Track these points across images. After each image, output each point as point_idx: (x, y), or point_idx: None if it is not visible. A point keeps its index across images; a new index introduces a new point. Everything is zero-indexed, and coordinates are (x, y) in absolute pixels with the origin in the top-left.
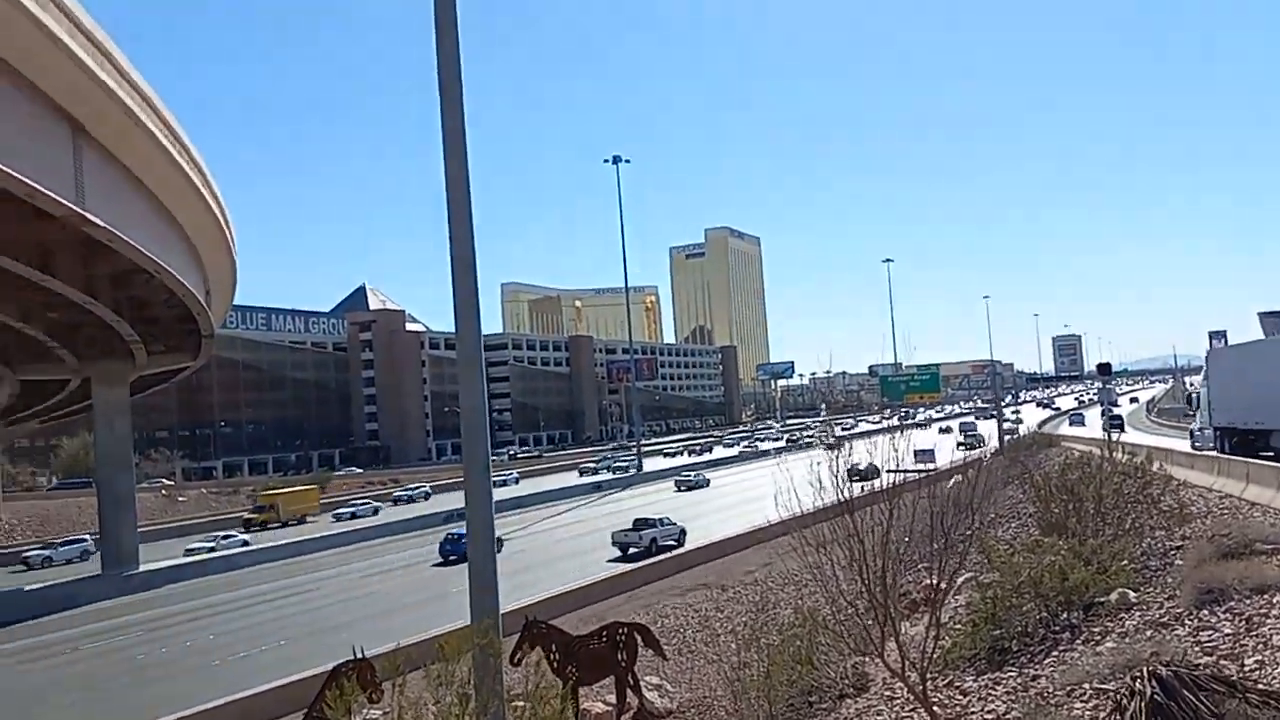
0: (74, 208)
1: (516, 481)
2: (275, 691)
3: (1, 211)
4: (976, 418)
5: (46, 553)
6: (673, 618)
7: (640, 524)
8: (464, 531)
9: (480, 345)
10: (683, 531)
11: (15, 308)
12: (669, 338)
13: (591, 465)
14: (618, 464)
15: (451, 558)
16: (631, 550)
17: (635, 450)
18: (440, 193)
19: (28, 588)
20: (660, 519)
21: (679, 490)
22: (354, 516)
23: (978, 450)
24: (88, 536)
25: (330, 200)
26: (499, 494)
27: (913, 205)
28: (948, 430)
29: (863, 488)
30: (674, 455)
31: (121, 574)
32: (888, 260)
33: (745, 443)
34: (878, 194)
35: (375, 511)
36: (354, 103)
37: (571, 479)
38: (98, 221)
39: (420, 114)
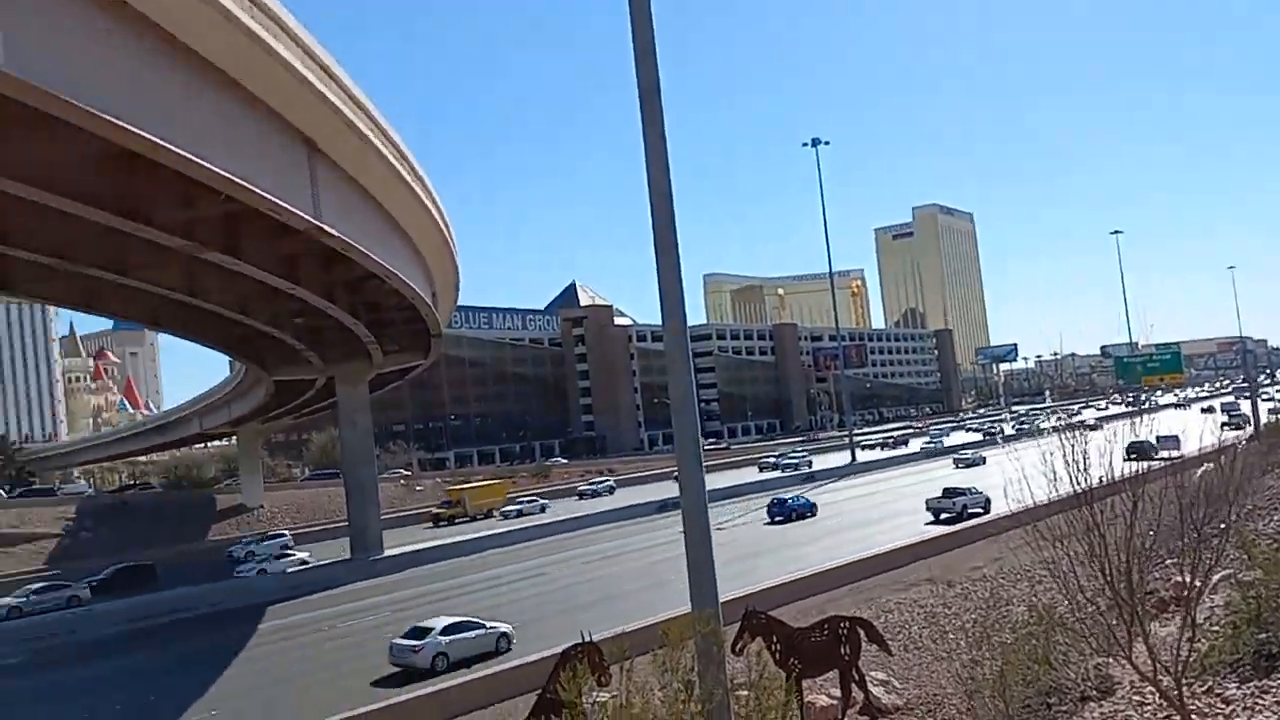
0: (312, 221)
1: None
2: (511, 671)
3: (251, 228)
4: (1238, 396)
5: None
6: (896, 613)
7: (950, 492)
8: (784, 497)
9: (686, 336)
10: (988, 500)
11: (268, 316)
12: (877, 323)
13: (772, 460)
14: (786, 460)
15: (778, 519)
16: (943, 515)
17: (848, 439)
18: (643, 188)
19: (288, 570)
20: (969, 488)
21: (957, 467)
22: (519, 514)
23: (1243, 431)
24: (285, 533)
25: (540, 201)
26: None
27: (1141, 170)
28: (1209, 410)
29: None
30: (874, 448)
31: (368, 558)
32: (1116, 232)
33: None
34: (1100, 160)
35: (542, 509)
36: (557, 105)
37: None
38: (333, 232)
39: (621, 111)
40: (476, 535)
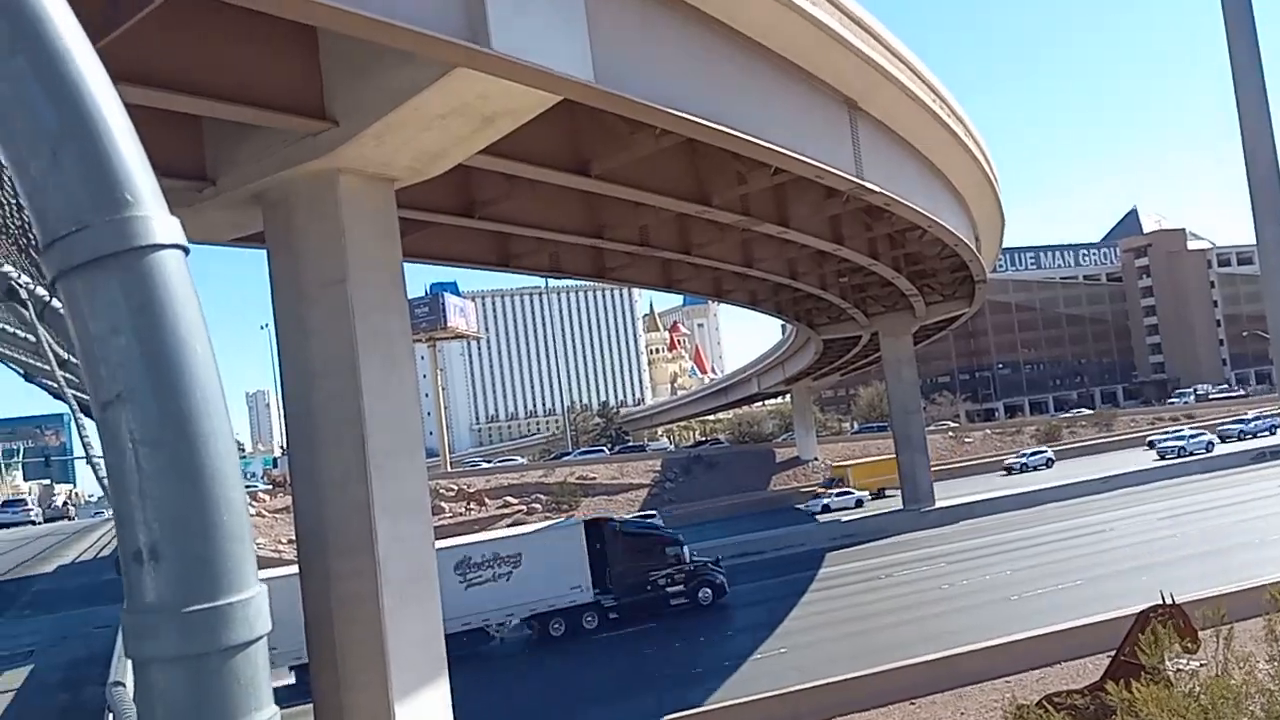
0: (855, 180)
1: (1049, 465)
2: (1082, 630)
3: (798, 196)
4: None
5: None
6: None
7: None
8: None
9: None
10: None
11: (814, 277)
12: None
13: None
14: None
15: None
16: None
17: None
18: (1220, 76)
19: (844, 518)
20: None
21: None
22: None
23: None
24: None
25: (1088, 123)
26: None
27: None
28: None
29: None
30: None
31: (919, 509)
32: None
33: None
34: None
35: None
36: (1116, 19)
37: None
38: (876, 189)
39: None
40: (1035, 488)
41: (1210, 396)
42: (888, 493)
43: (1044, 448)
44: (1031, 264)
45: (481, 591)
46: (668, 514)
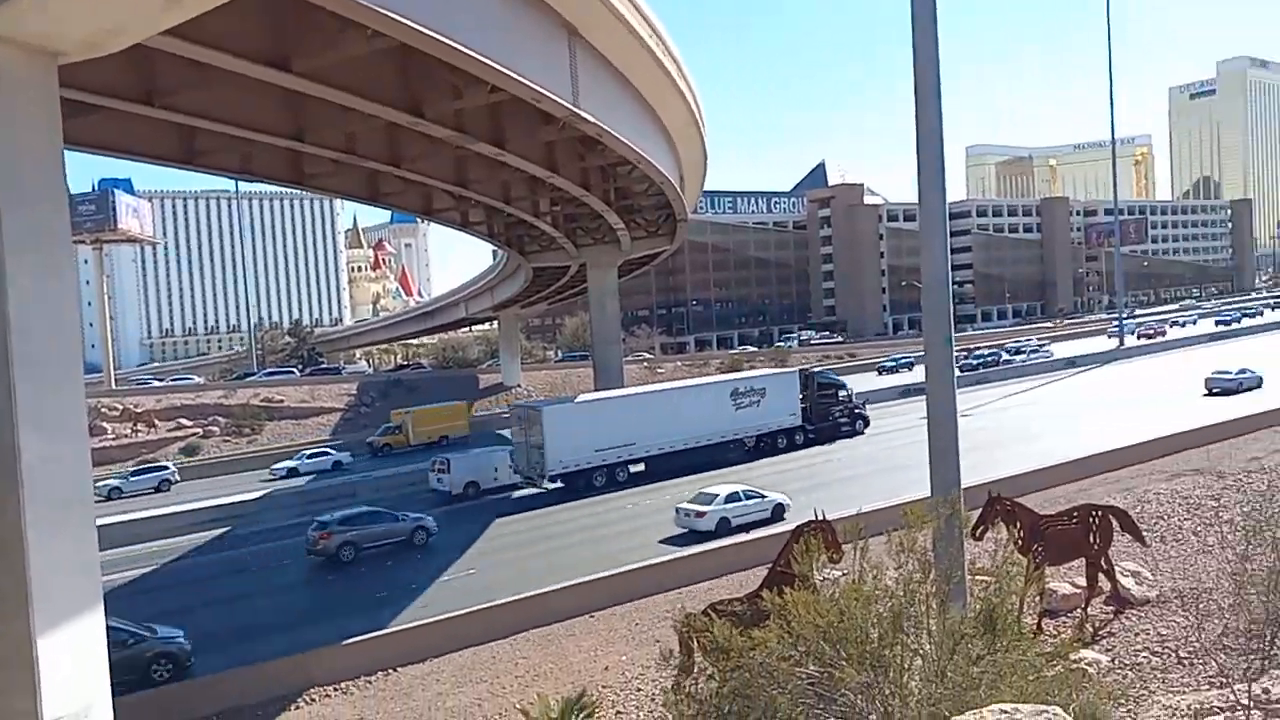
0: (571, 107)
1: None
2: (745, 545)
3: (514, 118)
4: None
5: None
6: (1155, 504)
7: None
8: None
9: (944, 213)
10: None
11: (527, 204)
12: (1163, 195)
13: (891, 363)
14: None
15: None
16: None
17: (1118, 323)
18: (906, 55)
19: None
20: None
21: None
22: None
23: None
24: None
25: (791, 79)
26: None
27: None
28: None
29: None
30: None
31: None
32: None
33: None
34: None
35: None
36: None
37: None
38: (591, 119)
39: None
40: None
41: (813, 342)
42: (447, 440)
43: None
44: (729, 208)
45: (743, 413)
46: (362, 439)
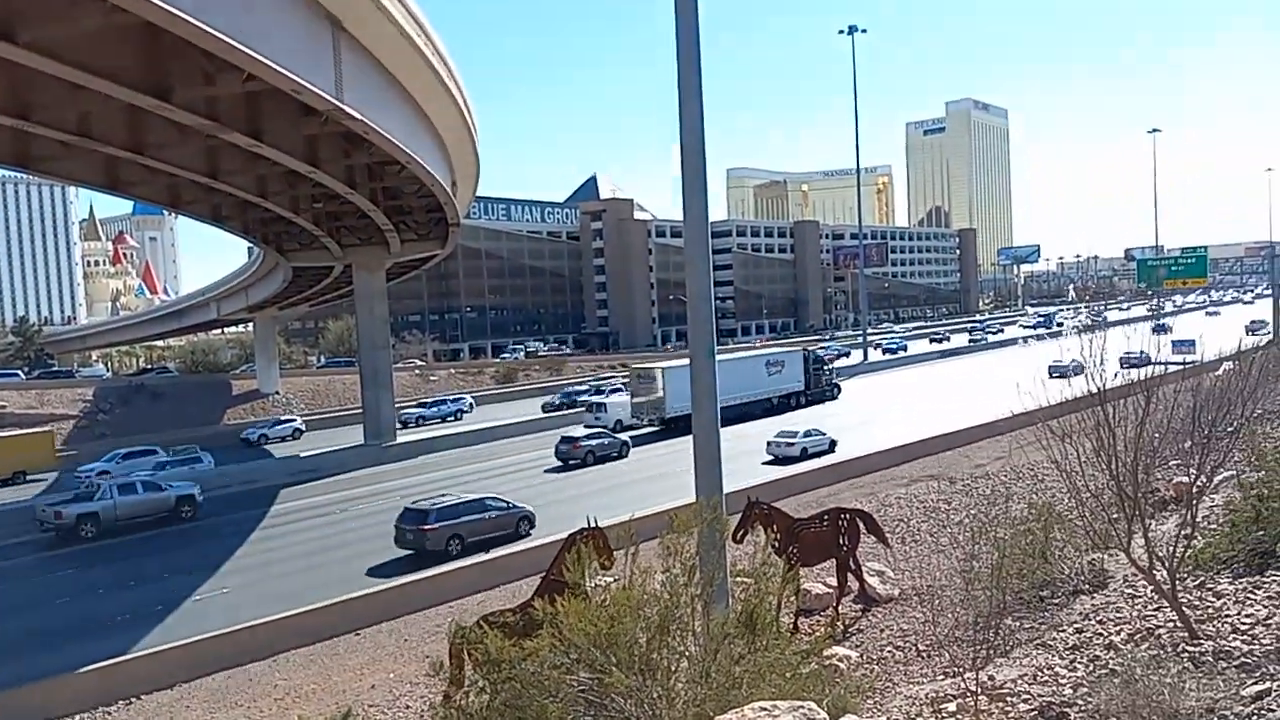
0: (335, 102)
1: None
2: (518, 555)
3: (273, 108)
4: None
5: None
6: (896, 507)
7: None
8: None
9: (707, 232)
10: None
11: (287, 199)
12: (901, 221)
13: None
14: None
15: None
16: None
17: (861, 339)
18: (673, 82)
19: (303, 454)
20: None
21: None
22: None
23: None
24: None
25: (567, 93)
26: None
27: (1179, 70)
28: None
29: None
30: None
31: (381, 445)
32: (1154, 131)
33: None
34: (1140, 57)
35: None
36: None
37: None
38: (356, 115)
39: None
40: (497, 423)
41: (540, 354)
42: (29, 476)
43: (462, 395)
44: (503, 215)
45: (772, 378)
46: (100, 450)
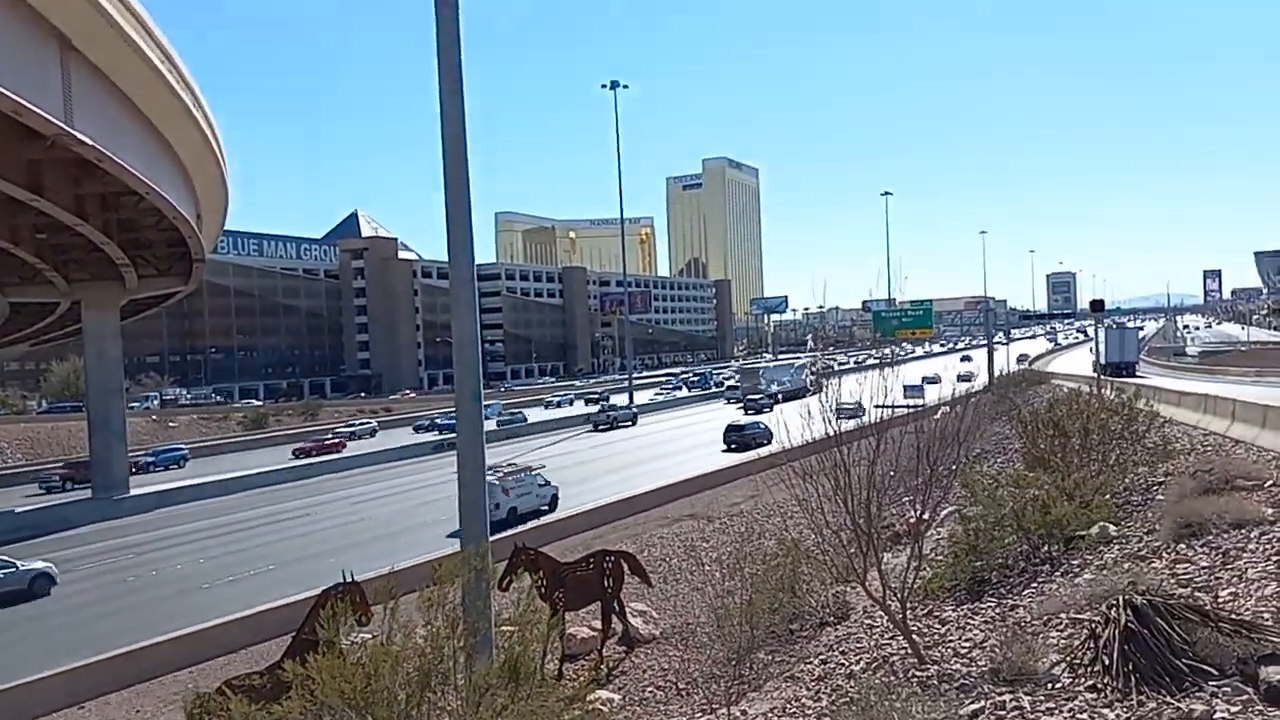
0: (63, 126)
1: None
2: (269, 613)
3: None
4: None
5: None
6: (659, 547)
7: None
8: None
9: (473, 274)
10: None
11: (4, 228)
12: (664, 270)
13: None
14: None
15: None
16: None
17: (627, 384)
18: (436, 119)
19: (18, 509)
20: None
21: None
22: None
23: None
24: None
25: (325, 127)
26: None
27: (913, 138)
28: (968, 359)
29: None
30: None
31: (112, 497)
32: (886, 194)
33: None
34: (878, 127)
35: None
36: (348, 27)
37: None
38: (87, 141)
39: (417, 37)
40: (241, 473)
41: (401, 396)
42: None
43: (368, 419)
44: (255, 250)
45: (789, 379)
46: None
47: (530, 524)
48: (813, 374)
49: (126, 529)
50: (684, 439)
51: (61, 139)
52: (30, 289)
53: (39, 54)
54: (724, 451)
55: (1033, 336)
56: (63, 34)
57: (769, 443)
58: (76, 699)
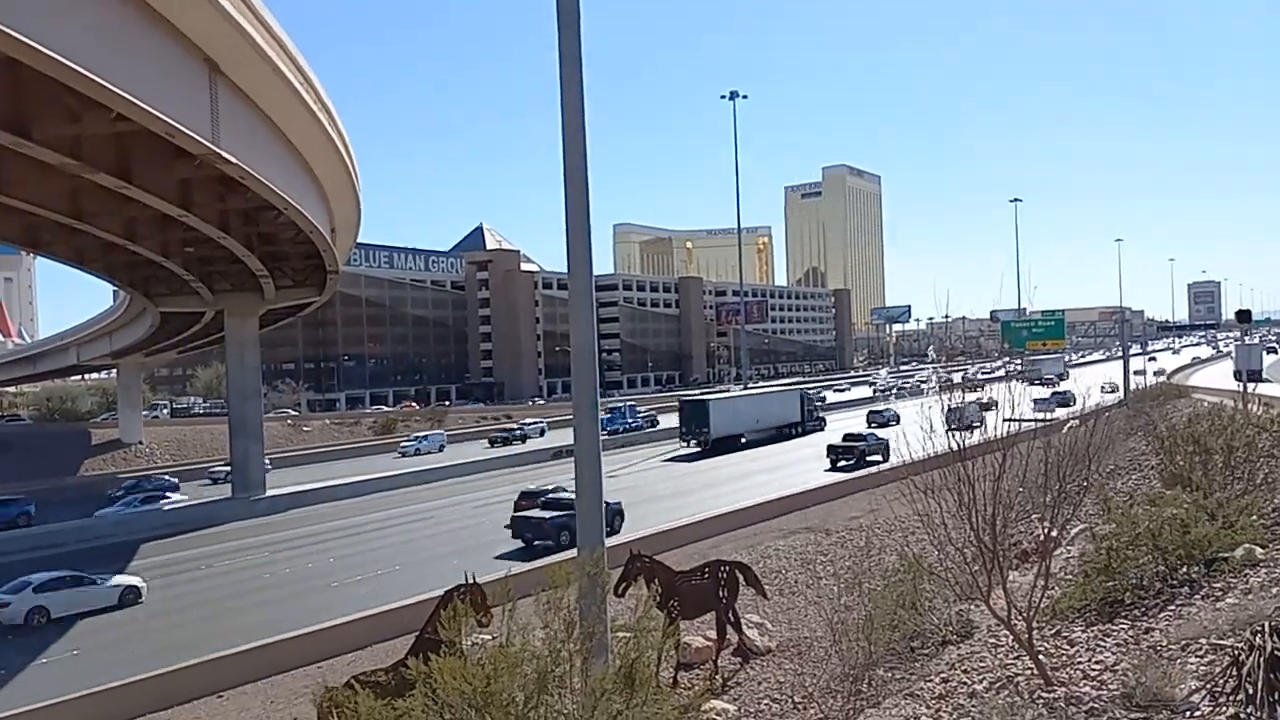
0: (210, 145)
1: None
2: (392, 613)
3: (144, 149)
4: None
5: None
6: (774, 559)
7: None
8: None
9: (591, 285)
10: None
11: (156, 243)
12: (780, 280)
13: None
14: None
15: None
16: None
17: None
18: (558, 134)
19: (167, 507)
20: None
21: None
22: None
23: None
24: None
25: (453, 143)
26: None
27: (1043, 143)
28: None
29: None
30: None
31: (249, 498)
32: (1016, 200)
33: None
34: (1007, 131)
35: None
36: (475, 44)
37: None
38: (231, 159)
39: (538, 54)
40: (367, 477)
41: (521, 403)
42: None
43: (440, 431)
44: (386, 263)
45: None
46: None
47: (645, 531)
48: (812, 401)
49: (262, 528)
50: (803, 448)
51: (209, 158)
52: (179, 299)
53: (191, 79)
54: (826, 470)
55: (1174, 350)
56: (212, 60)
57: (885, 458)
58: (217, 688)
